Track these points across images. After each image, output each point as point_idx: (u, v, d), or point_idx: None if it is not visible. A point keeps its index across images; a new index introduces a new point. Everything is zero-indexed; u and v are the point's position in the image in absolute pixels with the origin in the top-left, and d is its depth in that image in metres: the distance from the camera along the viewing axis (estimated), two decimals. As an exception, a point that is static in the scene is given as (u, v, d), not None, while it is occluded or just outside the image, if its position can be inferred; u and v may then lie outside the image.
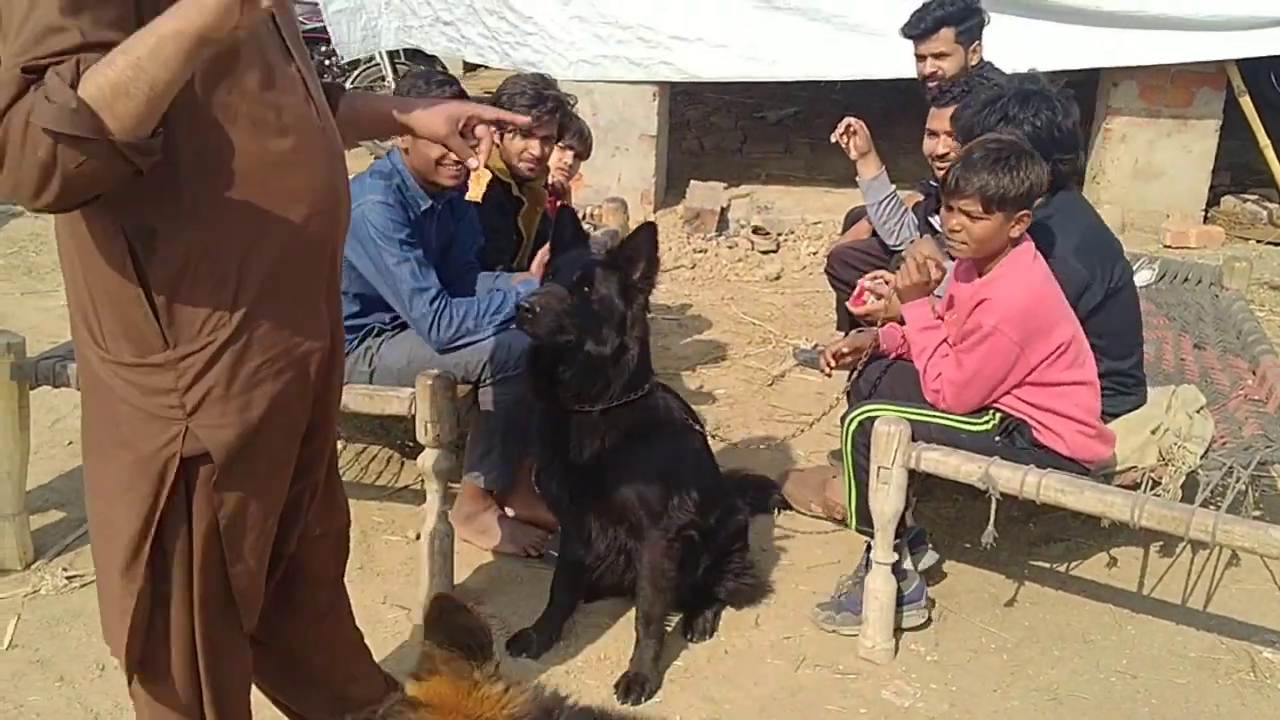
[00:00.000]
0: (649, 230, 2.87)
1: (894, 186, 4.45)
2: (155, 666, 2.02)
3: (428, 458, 3.11)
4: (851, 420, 3.18)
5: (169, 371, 1.83)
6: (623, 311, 2.84)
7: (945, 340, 3.21)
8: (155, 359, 1.83)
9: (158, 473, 1.88)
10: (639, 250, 2.86)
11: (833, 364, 3.51)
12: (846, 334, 4.98)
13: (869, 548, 3.17)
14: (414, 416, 3.09)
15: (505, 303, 3.44)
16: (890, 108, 6.78)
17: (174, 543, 1.93)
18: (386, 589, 3.37)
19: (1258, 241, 6.96)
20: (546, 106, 3.84)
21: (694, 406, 3.41)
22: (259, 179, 1.83)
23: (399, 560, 3.52)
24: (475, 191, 2.54)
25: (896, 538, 3.08)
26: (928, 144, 4.14)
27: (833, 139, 4.45)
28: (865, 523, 3.17)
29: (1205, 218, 7.12)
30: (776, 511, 3.83)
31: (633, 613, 3.08)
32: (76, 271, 1.84)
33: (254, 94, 1.81)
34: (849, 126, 4.38)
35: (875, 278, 3.77)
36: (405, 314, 3.38)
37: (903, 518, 3.07)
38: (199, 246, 1.80)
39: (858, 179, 4.47)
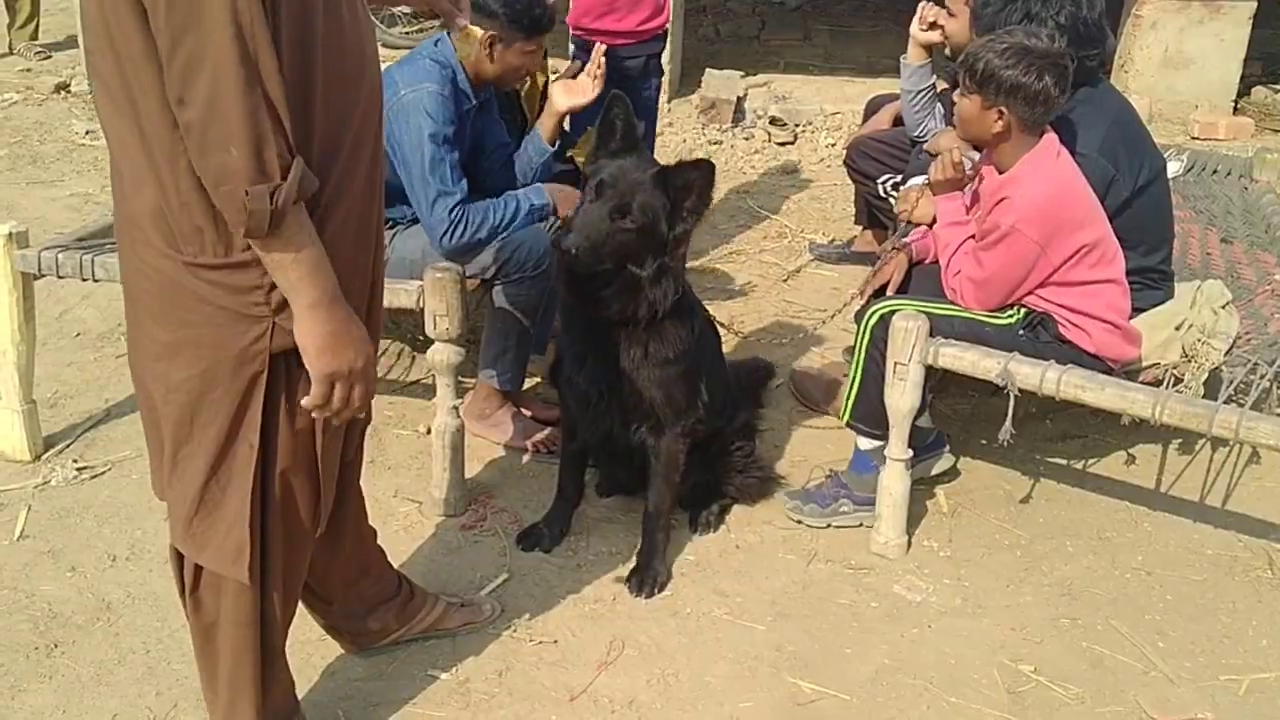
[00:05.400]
0: (706, 170, 2.74)
1: (935, 78, 4.24)
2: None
3: (437, 351, 3.07)
4: (872, 314, 3.11)
5: (255, 269, 1.80)
6: (665, 235, 2.75)
7: (971, 237, 3.13)
8: (243, 256, 1.79)
9: (248, 372, 1.87)
10: (691, 185, 2.73)
11: (867, 296, 3.41)
12: (865, 228, 4.91)
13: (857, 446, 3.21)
14: (423, 310, 3.04)
15: (519, 212, 3.38)
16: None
17: (263, 441, 1.93)
18: (398, 483, 3.36)
19: (1288, 134, 6.81)
20: None
21: (708, 301, 3.36)
22: (338, 67, 1.82)
23: (410, 454, 3.50)
24: (464, 51, 2.88)
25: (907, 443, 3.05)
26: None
27: (913, 29, 4.13)
28: (859, 419, 3.14)
29: (1235, 108, 6.95)
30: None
31: (639, 509, 3.07)
32: (150, 174, 1.78)
33: None
34: (934, 22, 4.06)
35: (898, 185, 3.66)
36: (422, 213, 3.30)
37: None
38: (299, 141, 1.75)
39: (903, 58, 4.20)
